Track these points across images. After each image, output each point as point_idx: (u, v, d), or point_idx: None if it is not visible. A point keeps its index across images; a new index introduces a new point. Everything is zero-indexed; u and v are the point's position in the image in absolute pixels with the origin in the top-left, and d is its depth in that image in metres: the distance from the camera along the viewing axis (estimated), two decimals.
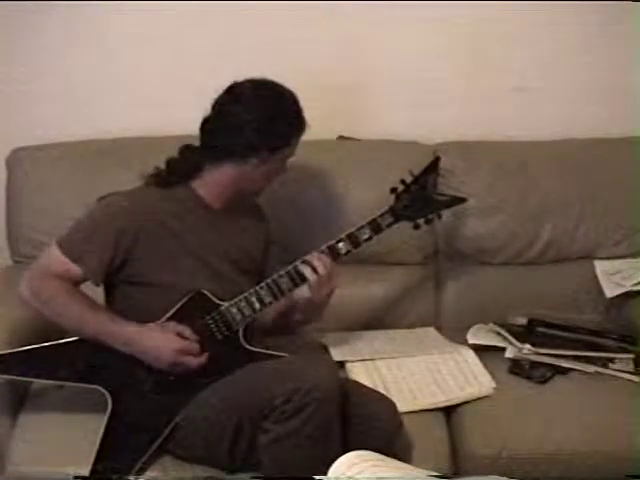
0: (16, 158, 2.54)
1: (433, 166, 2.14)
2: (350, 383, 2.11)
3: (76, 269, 1.98)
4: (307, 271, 2.03)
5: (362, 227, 2.08)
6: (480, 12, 2.58)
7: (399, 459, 1.25)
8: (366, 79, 2.66)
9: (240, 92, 2.06)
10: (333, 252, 2.06)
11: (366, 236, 2.08)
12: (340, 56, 2.63)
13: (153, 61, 2.63)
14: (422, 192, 2.12)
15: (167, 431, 1.95)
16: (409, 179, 2.11)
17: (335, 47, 2.61)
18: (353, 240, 2.07)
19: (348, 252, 2.07)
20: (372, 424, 1.97)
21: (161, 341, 1.97)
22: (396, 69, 2.66)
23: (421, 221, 2.16)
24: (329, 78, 2.61)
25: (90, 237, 2.01)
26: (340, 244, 2.06)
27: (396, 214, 2.11)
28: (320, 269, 2.02)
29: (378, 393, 2.10)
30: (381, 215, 2.10)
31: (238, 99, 2.05)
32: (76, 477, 1.89)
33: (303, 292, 2.05)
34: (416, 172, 2.12)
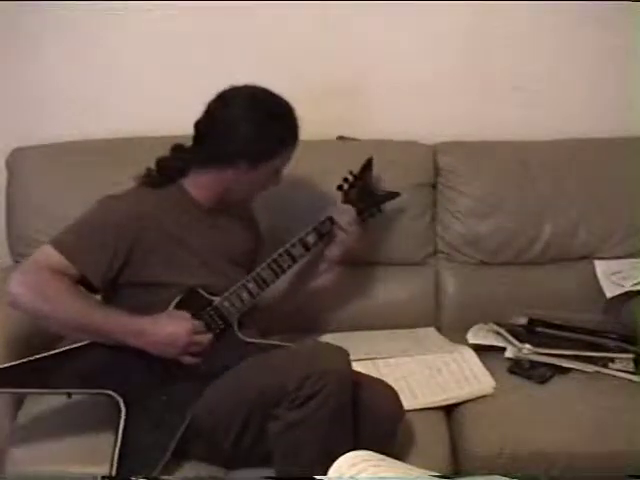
0: (16, 158, 2.54)
1: (369, 165, 2.31)
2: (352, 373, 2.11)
3: (72, 268, 1.95)
4: (341, 218, 2.23)
5: (324, 222, 2.23)
6: (480, 12, 2.58)
7: (399, 458, 1.25)
8: (366, 79, 2.66)
9: (230, 99, 2.07)
10: (304, 243, 2.19)
11: (327, 229, 2.24)
12: (340, 56, 2.63)
13: (153, 61, 2.63)
14: (365, 189, 2.31)
15: (182, 429, 1.94)
16: (350, 178, 2.28)
17: (335, 47, 2.61)
18: (319, 232, 2.23)
19: (316, 243, 2.23)
20: (374, 410, 1.98)
21: (174, 326, 1.98)
22: (396, 69, 2.66)
23: (366, 214, 2.32)
24: (329, 78, 2.61)
25: (88, 238, 1.99)
26: (309, 236, 2.21)
27: None
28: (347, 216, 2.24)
29: (379, 380, 2.11)
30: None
31: (227, 106, 2.06)
32: (104, 477, 1.88)
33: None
34: (355, 171, 2.30)
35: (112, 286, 2.03)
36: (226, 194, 2.12)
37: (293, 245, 2.17)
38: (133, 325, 1.96)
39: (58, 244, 1.97)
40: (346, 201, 2.28)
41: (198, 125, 2.09)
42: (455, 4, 2.56)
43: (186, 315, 2.01)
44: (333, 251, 2.27)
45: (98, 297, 2.07)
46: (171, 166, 2.12)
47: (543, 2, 2.56)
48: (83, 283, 2.00)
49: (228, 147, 2.05)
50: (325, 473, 1.21)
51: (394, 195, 2.38)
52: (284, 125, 2.08)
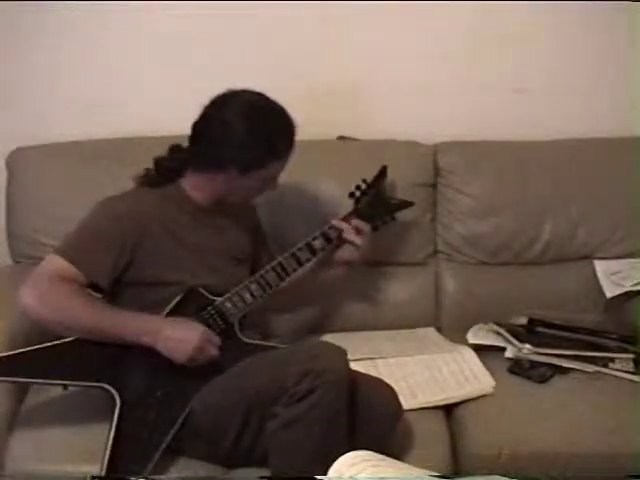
0: (16, 158, 2.54)
1: (383, 173, 2.30)
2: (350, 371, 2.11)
3: (80, 275, 1.96)
4: (354, 238, 2.20)
5: (331, 227, 2.22)
6: (480, 12, 2.58)
7: (399, 458, 1.25)
8: (366, 79, 2.66)
9: (225, 105, 2.06)
10: (310, 248, 2.17)
11: (335, 234, 2.23)
12: (340, 56, 2.63)
13: (153, 61, 2.63)
14: (378, 197, 2.29)
15: (177, 427, 1.95)
16: (363, 186, 2.28)
17: (335, 47, 2.61)
18: (326, 237, 2.20)
19: (323, 248, 2.20)
20: (373, 408, 1.99)
21: (189, 329, 1.98)
22: (396, 69, 2.66)
23: (379, 223, 2.31)
24: (329, 78, 2.61)
25: (92, 243, 2.00)
26: (316, 241, 2.19)
27: (359, 215, 2.26)
28: (344, 226, 2.21)
29: (377, 379, 2.12)
30: (348, 215, 2.25)
31: (221, 112, 2.05)
32: (93, 477, 1.88)
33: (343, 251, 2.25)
34: (369, 180, 2.29)
35: (114, 285, 2.04)
36: (221, 196, 2.12)
37: (300, 249, 2.16)
38: (148, 324, 1.97)
39: (64, 252, 1.99)
40: (359, 208, 2.26)
41: (194, 127, 2.09)
42: (455, 4, 2.56)
43: (201, 326, 2.02)
44: (342, 256, 2.26)
45: (99, 296, 2.07)
46: (169, 166, 2.13)
47: (543, 2, 2.56)
48: (90, 285, 2.01)
49: (219, 153, 2.04)
50: (321, 472, 1.21)
51: (407, 204, 2.36)
52: (277, 135, 2.07)
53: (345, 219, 2.24)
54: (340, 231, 2.22)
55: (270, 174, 2.11)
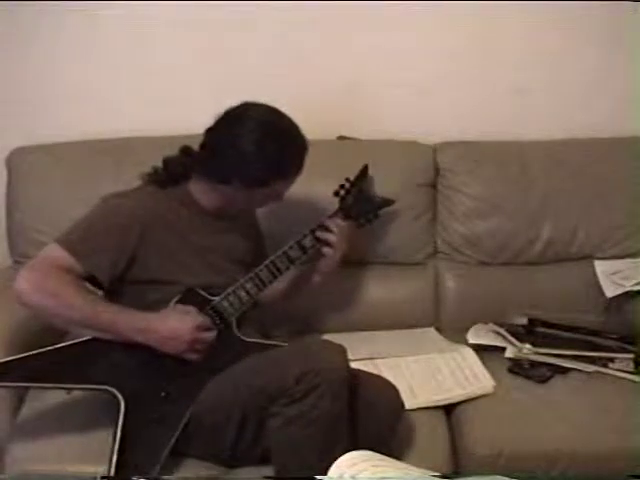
0: (16, 158, 2.54)
1: (364, 171, 2.31)
2: (351, 369, 2.11)
3: (79, 266, 1.96)
4: (328, 236, 2.19)
5: (320, 226, 2.22)
6: (480, 12, 2.58)
7: (399, 458, 1.25)
8: (366, 79, 2.66)
9: (238, 120, 2.05)
10: (301, 247, 2.18)
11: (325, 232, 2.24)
12: (340, 56, 2.63)
13: (154, 61, 2.63)
14: (361, 195, 2.30)
15: (180, 428, 1.94)
16: (347, 184, 2.28)
17: (336, 47, 2.61)
18: (315, 235, 2.20)
19: (312, 246, 2.20)
20: (374, 406, 1.99)
21: (179, 321, 1.99)
22: (396, 69, 2.66)
23: (363, 220, 2.32)
24: (329, 78, 2.61)
25: (95, 235, 2.00)
26: (306, 239, 2.19)
27: (345, 214, 2.26)
28: (335, 229, 2.19)
29: (378, 377, 2.12)
30: (331, 216, 2.25)
31: (233, 125, 2.05)
32: (103, 477, 1.88)
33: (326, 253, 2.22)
34: (352, 179, 2.30)
35: (117, 283, 2.03)
36: (224, 204, 2.13)
37: (291, 247, 2.17)
38: (137, 321, 1.97)
39: (64, 242, 1.98)
40: (343, 207, 2.26)
41: (206, 134, 2.09)
42: (455, 4, 2.56)
43: (192, 310, 2.02)
44: (323, 266, 2.25)
45: (100, 293, 2.07)
46: (177, 167, 2.13)
47: (543, 2, 2.56)
48: (89, 280, 2.01)
49: (225, 166, 2.04)
50: (323, 470, 1.21)
51: (389, 202, 2.37)
52: (286, 156, 2.07)
53: (331, 218, 2.24)
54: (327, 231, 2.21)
55: (275, 192, 2.12)
